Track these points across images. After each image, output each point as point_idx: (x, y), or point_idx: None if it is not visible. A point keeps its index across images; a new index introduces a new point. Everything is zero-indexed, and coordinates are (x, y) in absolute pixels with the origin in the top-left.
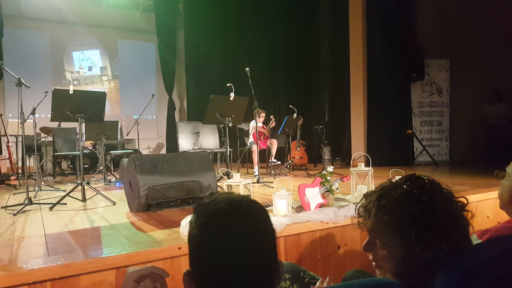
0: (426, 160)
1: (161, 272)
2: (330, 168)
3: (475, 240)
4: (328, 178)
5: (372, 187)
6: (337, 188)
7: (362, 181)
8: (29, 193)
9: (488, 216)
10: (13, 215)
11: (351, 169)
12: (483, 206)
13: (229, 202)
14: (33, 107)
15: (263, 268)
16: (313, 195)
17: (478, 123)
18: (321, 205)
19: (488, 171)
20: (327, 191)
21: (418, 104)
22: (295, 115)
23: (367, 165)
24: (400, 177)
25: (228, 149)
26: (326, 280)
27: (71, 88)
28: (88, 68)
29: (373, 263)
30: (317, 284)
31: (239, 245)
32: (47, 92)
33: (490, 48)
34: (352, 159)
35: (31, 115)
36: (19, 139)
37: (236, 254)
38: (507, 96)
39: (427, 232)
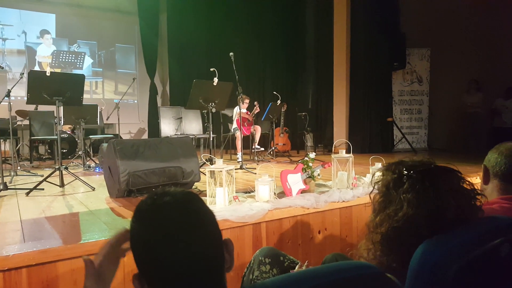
0: (405, 147)
1: (119, 236)
2: (312, 155)
3: None
4: (310, 164)
5: (353, 173)
6: (318, 174)
7: (343, 167)
8: (4, 178)
9: None
10: None
11: (333, 155)
12: None
13: (155, 198)
14: (8, 89)
15: (203, 254)
16: (295, 181)
17: (457, 112)
18: (302, 191)
19: (465, 159)
20: (309, 177)
21: (399, 92)
22: (279, 101)
23: (348, 152)
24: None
25: (211, 135)
26: (305, 264)
27: (48, 70)
28: (66, 48)
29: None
30: (296, 267)
31: (170, 238)
32: (23, 73)
33: (470, 38)
34: (333, 146)
35: (5, 97)
36: None
37: (168, 245)
38: (485, 86)
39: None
